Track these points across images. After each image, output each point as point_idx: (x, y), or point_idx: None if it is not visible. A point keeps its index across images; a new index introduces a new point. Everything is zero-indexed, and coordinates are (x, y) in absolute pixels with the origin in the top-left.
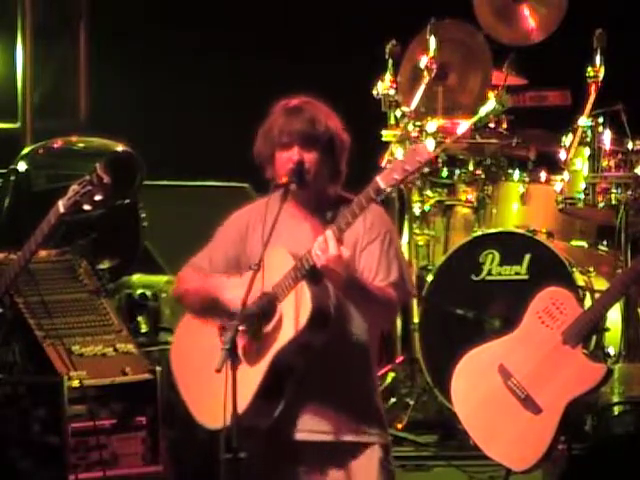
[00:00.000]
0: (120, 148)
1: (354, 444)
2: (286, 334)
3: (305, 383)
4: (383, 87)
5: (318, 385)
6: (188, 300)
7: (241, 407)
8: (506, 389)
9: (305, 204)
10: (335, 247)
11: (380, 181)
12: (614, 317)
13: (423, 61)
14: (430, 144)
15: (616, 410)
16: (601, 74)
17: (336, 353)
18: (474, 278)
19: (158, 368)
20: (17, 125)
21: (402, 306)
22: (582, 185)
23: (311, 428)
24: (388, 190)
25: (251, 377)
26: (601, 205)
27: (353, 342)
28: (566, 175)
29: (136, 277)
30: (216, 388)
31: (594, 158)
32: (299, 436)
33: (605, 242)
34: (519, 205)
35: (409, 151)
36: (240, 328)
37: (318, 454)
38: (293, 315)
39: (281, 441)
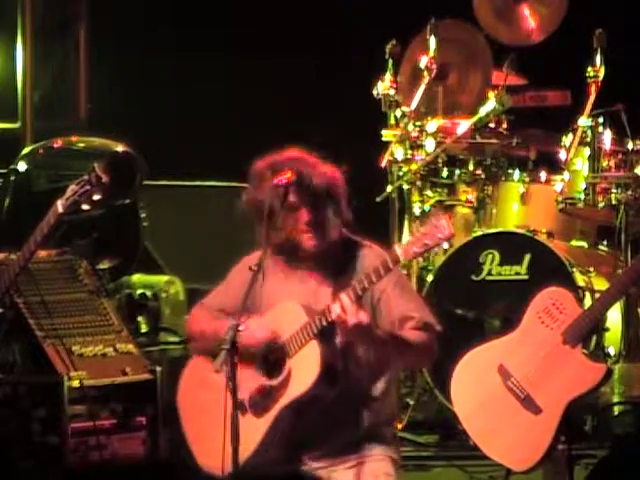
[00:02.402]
0: (120, 148)
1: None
2: (293, 391)
3: (313, 427)
4: (383, 87)
5: (326, 428)
6: (198, 342)
7: (243, 456)
8: (506, 389)
9: (313, 255)
10: (354, 314)
11: (400, 254)
12: (614, 317)
13: (423, 61)
14: (430, 144)
15: (616, 410)
16: (601, 74)
17: (345, 403)
18: (474, 278)
19: (158, 368)
20: (17, 125)
21: (433, 342)
22: (582, 185)
23: (315, 466)
24: (405, 261)
25: (255, 428)
26: (601, 205)
27: (365, 391)
28: (566, 175)
29: (136, 277)
30: (219, 435)
31: (594, 158)
32: (305, 467)
33: (605, 242)
34: (519, 205)
35: (431, 226)
36: (240, 328)
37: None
38: (302, 373)
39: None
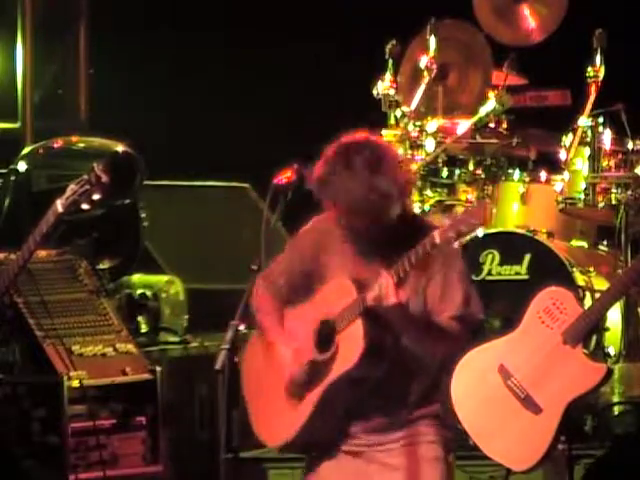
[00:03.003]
0: (120, 148)
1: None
2: (338, 368)
3: (363, 402)
4: (383, 87)
5: (377, 405)
6: (258, 322)
7: (294, 429)
8: (506, 389)
9: (369, 231)
10: (393, 294)
11: (436, 237)
12: (614, 317)
13: (423, 61)
14: (430, 144)
15: (616, 410)
16: (601, 74)
17: (395, 379)
18: (474, 278)
19: (158, 368)
20: (17, 125)
21: (470, 336)
22: (582, 185)
23: (367, 443)
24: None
25: (304, 403)
26: (601, 205)
27: (415, 368)
28: (566, 175)
29: (136, 277)
30: (270, 406)
31: (594, 158)
32: (355, 448)
33: (605, 242)
34: (519, 205)
35: (466, 212)
36: (240, 328)
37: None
38: (347, 350)
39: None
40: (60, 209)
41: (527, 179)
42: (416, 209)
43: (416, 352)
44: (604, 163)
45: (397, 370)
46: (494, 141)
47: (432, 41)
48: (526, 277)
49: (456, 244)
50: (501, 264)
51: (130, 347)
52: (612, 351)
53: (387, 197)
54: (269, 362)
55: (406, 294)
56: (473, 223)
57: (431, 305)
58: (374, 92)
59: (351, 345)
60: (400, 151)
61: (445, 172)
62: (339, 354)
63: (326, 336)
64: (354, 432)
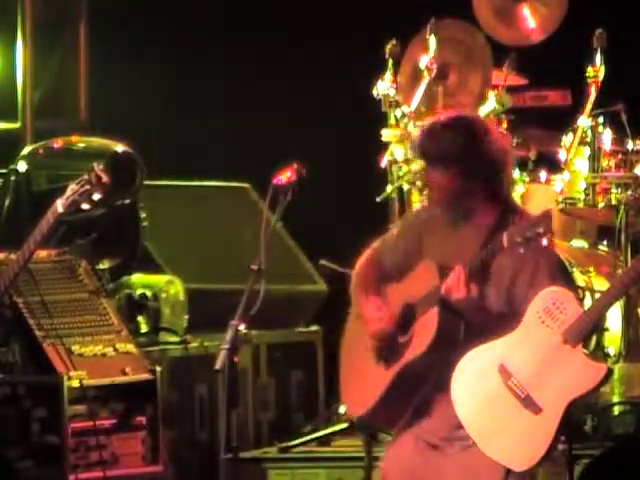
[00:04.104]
0: (120, 148)
1: None
2: (412, 353)
3: (431, 395)
4: (383, 87)
5: (443, 400)
6: (353, 286)
7: (369, 404)
8: (506, 389)
9: (459, 216)
10: (463, 287)
11: (504, 240)
12: (614, 317)
13: (423, 61)
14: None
15: (616, 410)
16: (601, 74)
17: None
18: None
19: (158, 368)
20: (17, 125)
21: None
22: (582, 185)
23: (442, 437)
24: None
25: (381, 380)
26: (601, 205)
27: None
28: (566, 175)
29: (136, 277)
30: (363, 380)
31: (594, 158)
32: (431, 440)
33: (605, 242)
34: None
35: (532, 219)
36: (240, 328)
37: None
38: (421, 337)
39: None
40: (60, 209)
41: (527, 179)
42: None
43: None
44: (604, 163)
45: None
46: None
47: (432, 41)
48: None
49: (545, 240)
50: None
51: (130, 347)
52: (612, 351)
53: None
54: (361, 338)
55: (478, 289)
56: (539, 232)
57: (518, 304)
58: (374, 92)
59: (425, 332)
60: (400, 151)
61: None
62: (415, 339)
63: (408, 319)
64: (430, 423)
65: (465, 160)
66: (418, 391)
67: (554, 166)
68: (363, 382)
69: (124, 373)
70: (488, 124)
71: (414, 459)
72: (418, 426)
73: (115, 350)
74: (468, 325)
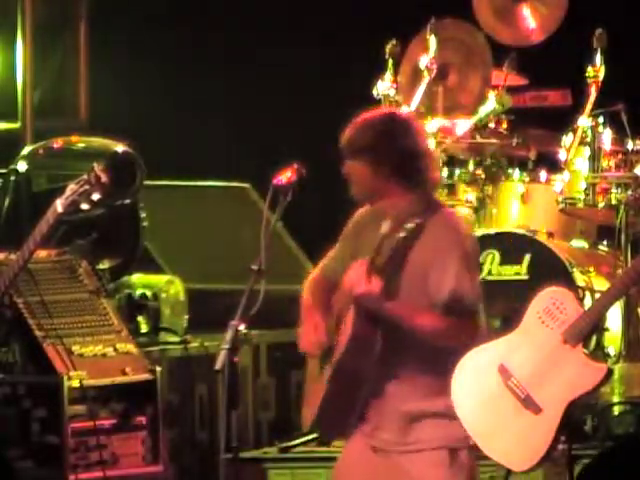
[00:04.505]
0: (120, 148)
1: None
2: (337, 353)
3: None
4: (383, 87)
5: (376, 402)
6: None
7: (314, 409)
8: (506, 389)
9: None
10: (359, 285)
11: (384, 226)
12: (614, 317)
13: (423, 61)
14: (430, 144)
15: (616, 410)
16: (601, 74)
17: (390, 375)
18: None
19: (158, 368)
20: (17, 125)
21: (465, 327)
22: (582, 185)
23: (383, 440)
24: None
25: (323, 382)
26: (601, 205)
27: (410, 363)
28: (566, 175)
29: (136, 277)
30: (315, 387)
31: (594, 158)
32: (374, 443)
33: (605, 242)
34: (519, 205)
35: None
36: (240, 328)
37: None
38: (344, 334)
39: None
40: (60, 209)
41: (527, 179)
42: None
43: (408, 344)
44: (604, 163)
45: (394, 364)
46: (494, 141)
47: (432, 41)
48: (526, 277)
49: (463, 229)
50: (501, 264)
51: (130, 347)
52: (612, 351)
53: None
54: None
55: (385, 282)
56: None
57: (433, 293)
58: (374, 92)
59: (346, 331)
60: None
61: (445, 172)
62: (340, 338)
63: (341, 320)
64: (372, 427)
65: (376, 153)
66: (357, 394)
67: (554, 166)
68: (314, 389)
69: (124, 373)
70: (409, 121)
71: (359, 462)
72: (363, 430)
73: (115, 350)
74: (382, 324)
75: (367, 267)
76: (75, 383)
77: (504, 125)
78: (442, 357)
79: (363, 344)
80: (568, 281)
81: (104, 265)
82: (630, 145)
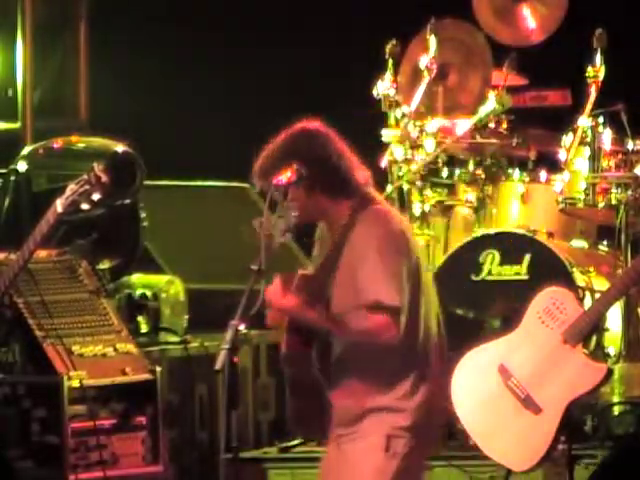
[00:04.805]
0: (120, 148)
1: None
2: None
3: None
4: (383, 87)
5: (335, 397)
6: None
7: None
8: (506, 389)
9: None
10: (275, 299)
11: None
12: (614, 317)
13: (423, 61)
14: (430, 144)
15: (616, 410)
16: (601, 74)
17: (338, 373)
18: (474, 278)
19: (158, 368)
20: (17, 125)
21: (382, 326)
22: (582, 185)
23: (338, 434)
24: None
25: None
26: (601, 205)
27: (348, 363)
28: (566, 175)
29: (136, 277)
30: None
31: (594, 158)
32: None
33: (605, 242)
34: (519, 205)
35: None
36: (240, 328)
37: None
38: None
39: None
40: (60, 209)
41: (527, 179)
42: (416, 209)
43: (345, 349)
44: (604, 163)
45: (339, 364)
46: (494, 141)
47: (432, 41)
48: (526, 277)
49: (385, 225)
50: (501, 264)
51: (130, 347)
52: (612, 351)
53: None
54: None
55: (293, 300)
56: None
57: (359, 292)
58: (374, 92)
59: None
60: (400, 151)
61: (445, 172)
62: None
63: None
64: (334, 425)
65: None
66: (319, 399)
67: (554, 166)
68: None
69: (124, 373)
70: (318, 131)
71: (329, 458)
72: (330, 427)
73: (115, 350)
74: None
75: (282, 281)
76: (75, 383)
77: (504, 125)
78: (381, 358)
79: (299, 354)
80: (568, 281)
81: (104, 265)
82: (630, 145)
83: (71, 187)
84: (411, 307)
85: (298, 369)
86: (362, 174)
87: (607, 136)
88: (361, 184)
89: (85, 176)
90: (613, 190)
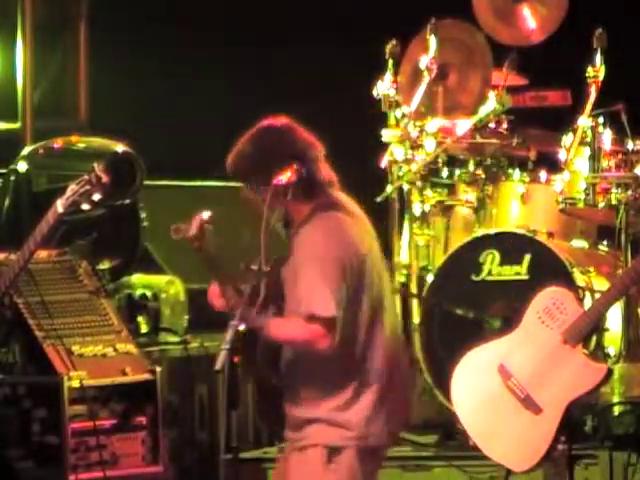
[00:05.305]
0: (120, 148)
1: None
2: None
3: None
4: (383, 87)
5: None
6: None
7: None
8: (506, 389)
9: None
10: (219, 302)
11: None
12: (614, 317)
13: (423, 61)
14: (430, 144)
15: (616, 410)
16: (601, 74)
17: (286, 380)
18: (474, 278)
19: (158, 368)
20: (17, 125)
21: (321, 335)
22: (582, 185)
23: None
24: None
25: None
26: (601, 205)
27: (292, 371)
28: (566, 175)
29: (136, 277)
30: None
31: (594, 158)
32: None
33: (605, 242)
34: (519, 205)
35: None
36: (240, 328)
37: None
38: None
39: None
40: (60, 209)
41: (527, 179)
42: (416, 209)
43: (288, 357)
44: (604, 163)
45: (287, 371)
46: (494, 141)
47: (432, 41)
48: (526, 277)
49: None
50: (501, 264)
51: (130, 347)
52: (612, 351)
53: None
54: None
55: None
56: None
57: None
58: (374, 92)
59: None
60: (400, 151)
61: (445, 172)
62: None
63: None
64: (286, 425)
65: (265, 174)
66: (277, 394)
67: (554, 166)
68: None
69: (124, 373)
70: (281, 126)
71: (284, 455)
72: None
73: (115, 350)
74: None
75: (220, 284)
76: (75, 383)
77: (504, 125)
78: (321, 367)
79: (248, 358)
80: (568, 281)
81: (104, 265)
82: (630, 145)
83: (72, 187)
84: (350, 316)
85: (257, 370)
86: (327, 173)
87: (607, 136)
88: (324, 185)
89: (86, 176)
90: (613, 190)
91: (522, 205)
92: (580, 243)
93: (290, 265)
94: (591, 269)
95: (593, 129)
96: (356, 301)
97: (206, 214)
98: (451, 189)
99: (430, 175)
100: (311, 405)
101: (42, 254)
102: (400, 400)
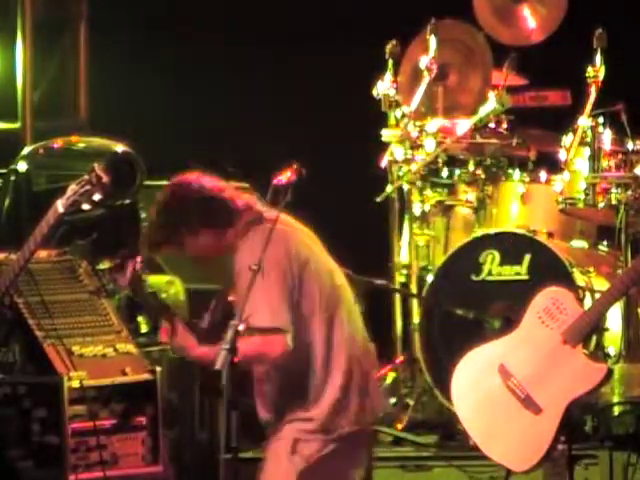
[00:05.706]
0: (120, 148)
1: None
2: None
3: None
4: (383, 87)
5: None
6: None
7: None
8: (506, 389)
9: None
10: (170, 341)
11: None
12: (614, 317)
13: (423, 61)
14: (430, 144)
15: (616, 410)
16: (601, 74)
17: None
18: (474, 278)
19: (158, 368)
20: (17, 125)
21: (272, 345)
22: (582, 185)
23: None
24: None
25: None
26: (601, 205)
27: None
28: (566, 175)
29: None
30: None
31: (594, 158)
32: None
33: (605, 242)
34: (519, 205)
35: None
36: (240, 328)
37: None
38: None
39: None
40: (60, 209)
41: (527, 179)
42: (416, 209)
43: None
44: (604, 163)
45: (256, 379)
46: (494, 141)
47: (432, 41)
48: (526, 277)
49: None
50: (501, 264)
51: (130, 347)
52: (612, 351)
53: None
54: None
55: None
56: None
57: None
58: (374, 92)
59: None
60: (400, 151)
61: (445, 172)
62: None
63: None
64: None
65: (185, 227)
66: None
67: (554, 166)
68: None
69: (124, 373)
70: (189, 183)
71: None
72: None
73: (115, 350)
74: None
75: (166, 317)
76: (75, 383)
77: (504, 125)
78: (281, 373)
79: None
80: (568, 281)
81: (104, 265)
82: (630, 145)
83: (72, 187)
84: (301, 318)
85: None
86: (242, 201)
87: (607, 136)
88: (243, 210)
89: (86, 176)
90: (613, 190)
91: (522, 205)
92: (580, 243)
93: (237, 287)
94: (591, 269)
95: (593, 129)
96: (305, 304)
97: (138, 260)
98: (451, 189)
99: (430, 175)
100: (280, 409)
101: (42, 254)
102: (371, 394)
